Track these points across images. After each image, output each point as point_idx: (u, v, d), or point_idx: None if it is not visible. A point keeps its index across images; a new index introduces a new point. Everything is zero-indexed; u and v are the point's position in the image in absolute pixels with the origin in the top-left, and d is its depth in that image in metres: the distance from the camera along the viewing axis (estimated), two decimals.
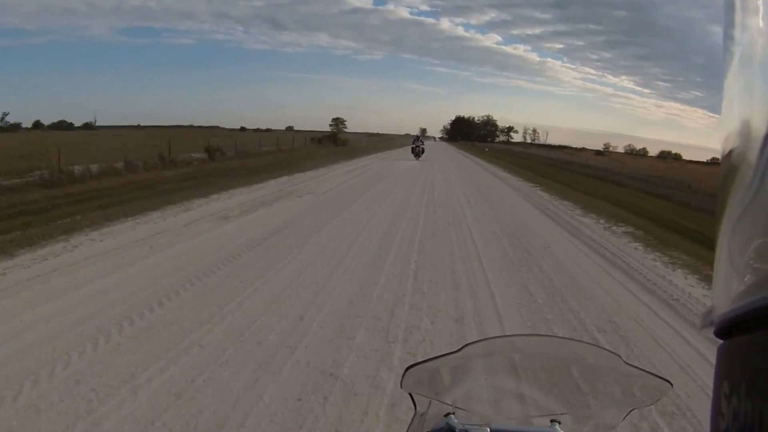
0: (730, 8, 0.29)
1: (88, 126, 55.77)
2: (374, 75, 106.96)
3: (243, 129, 63.71)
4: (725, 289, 0.26)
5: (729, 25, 0.29)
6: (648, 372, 0.55)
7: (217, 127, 61.24)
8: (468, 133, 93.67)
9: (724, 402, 0.25)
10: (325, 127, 77.92)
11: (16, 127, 48.36)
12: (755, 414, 0.22)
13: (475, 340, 0.59)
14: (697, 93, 74.65)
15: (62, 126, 53.83)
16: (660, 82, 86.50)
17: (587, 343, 0.63)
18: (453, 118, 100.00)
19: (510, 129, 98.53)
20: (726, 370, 0.25)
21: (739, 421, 0.23)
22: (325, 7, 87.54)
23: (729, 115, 0.28)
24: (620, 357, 0.55)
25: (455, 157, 30.35)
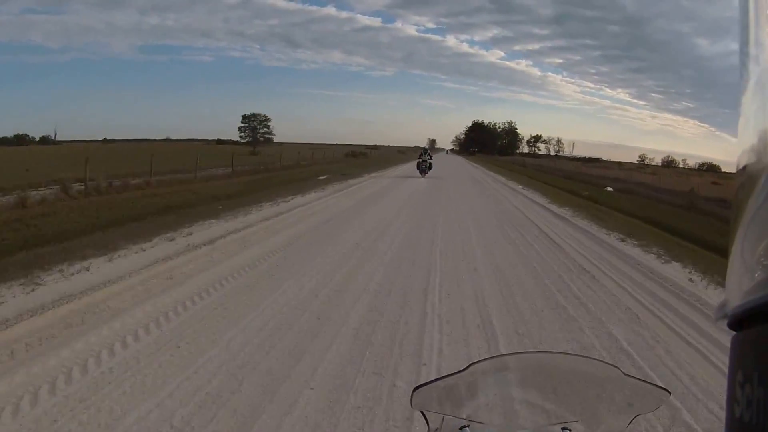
0: (745, 27, 0.30)
1: (45, 140, 54.23)
2: (387, 90, 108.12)
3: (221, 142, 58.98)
4: (738, 285, 0.27)
5: (744, 43, 0.30)
6: (646, 381, 0.59)
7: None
8: (488, 144, 77.89)
9: (739, 389, 0.26)
10: (335, 138, 65.23)
11: None
12: None
13: (479, 359, 0.59)
14: (688, 104, 79.10)
15: (18, 140, 52.48)
16: (653, 94, 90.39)
17: (587, 357, 0.63)
18: (469, 125, 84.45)
19: (537, 139, 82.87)
20: (739, 360, 0.27)
21: (753, 407, 0.25)
22: (338, 25, 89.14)
23: (745, 132, 0.29)
24: (619, 369, 0.58)
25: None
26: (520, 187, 18.14)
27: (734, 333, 0.28)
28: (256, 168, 21.13)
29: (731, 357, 0.28)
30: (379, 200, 11.88)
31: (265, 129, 54.81)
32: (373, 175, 21.41)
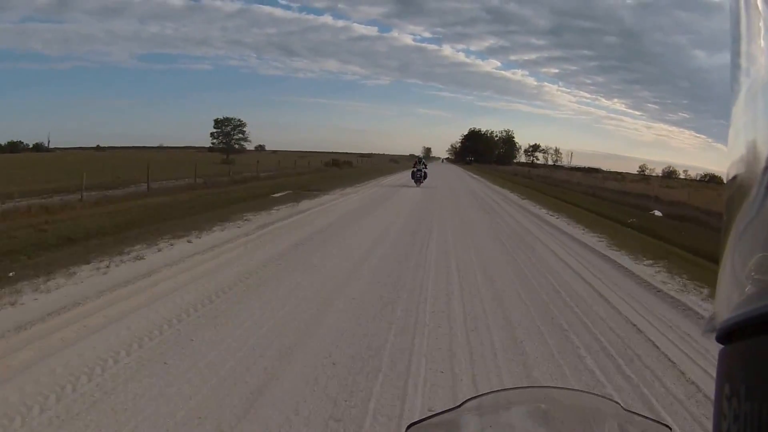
0: (736, 40, 0.30)
1: (38, 147, 53.49)
2: (382, 99, 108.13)
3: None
4: (727, 298, 0.27)
5: (736, 55, 0.30)
6: (646, 417, 0.57)
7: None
8: (485, 153, 73.29)
9: (726, 403, 0.26)
10: (328, 147, 61.81)
11: None
12: (755, 414, 0.23)
13: (474, 395, 0.58)
14: (684, 115, 79.24)
15: (12, 147, 52.42)
16: (649, 105, 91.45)
17: (586, 392, 0.63)
18: (465, 133, 79.90)
19: (536, 148, 78.65)
20: (727, 374, 0.26)
21: (740, 421, 0.24)
22: (334, 34, 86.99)
23: (735, 143, 0.29)
24: (619, 404, 0.57)
25: None
26: (543, 210, 13.34)
27: (722, 347, 0.27)
28: (191, 184, 16.23)
29: (719, 371, 0.27)
30: (327, 246, 7.04)
31: (240, 135, 49.35)
32: (347, 191, 16.62)
